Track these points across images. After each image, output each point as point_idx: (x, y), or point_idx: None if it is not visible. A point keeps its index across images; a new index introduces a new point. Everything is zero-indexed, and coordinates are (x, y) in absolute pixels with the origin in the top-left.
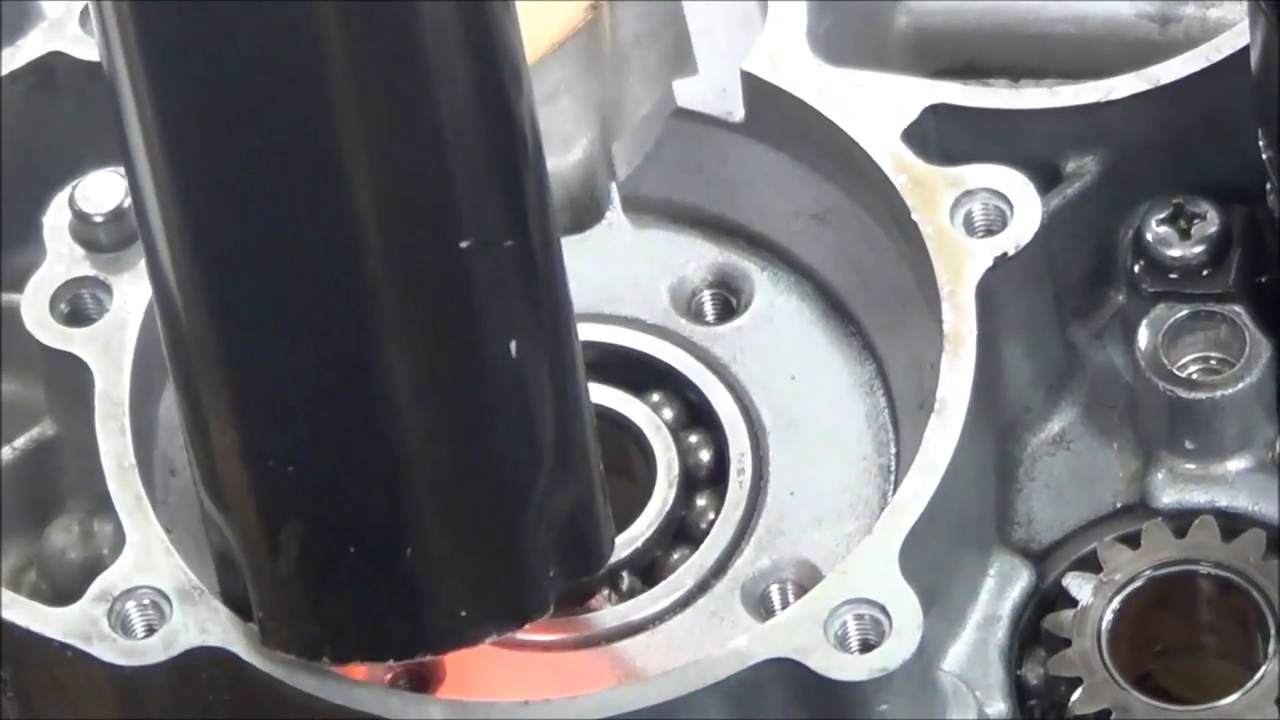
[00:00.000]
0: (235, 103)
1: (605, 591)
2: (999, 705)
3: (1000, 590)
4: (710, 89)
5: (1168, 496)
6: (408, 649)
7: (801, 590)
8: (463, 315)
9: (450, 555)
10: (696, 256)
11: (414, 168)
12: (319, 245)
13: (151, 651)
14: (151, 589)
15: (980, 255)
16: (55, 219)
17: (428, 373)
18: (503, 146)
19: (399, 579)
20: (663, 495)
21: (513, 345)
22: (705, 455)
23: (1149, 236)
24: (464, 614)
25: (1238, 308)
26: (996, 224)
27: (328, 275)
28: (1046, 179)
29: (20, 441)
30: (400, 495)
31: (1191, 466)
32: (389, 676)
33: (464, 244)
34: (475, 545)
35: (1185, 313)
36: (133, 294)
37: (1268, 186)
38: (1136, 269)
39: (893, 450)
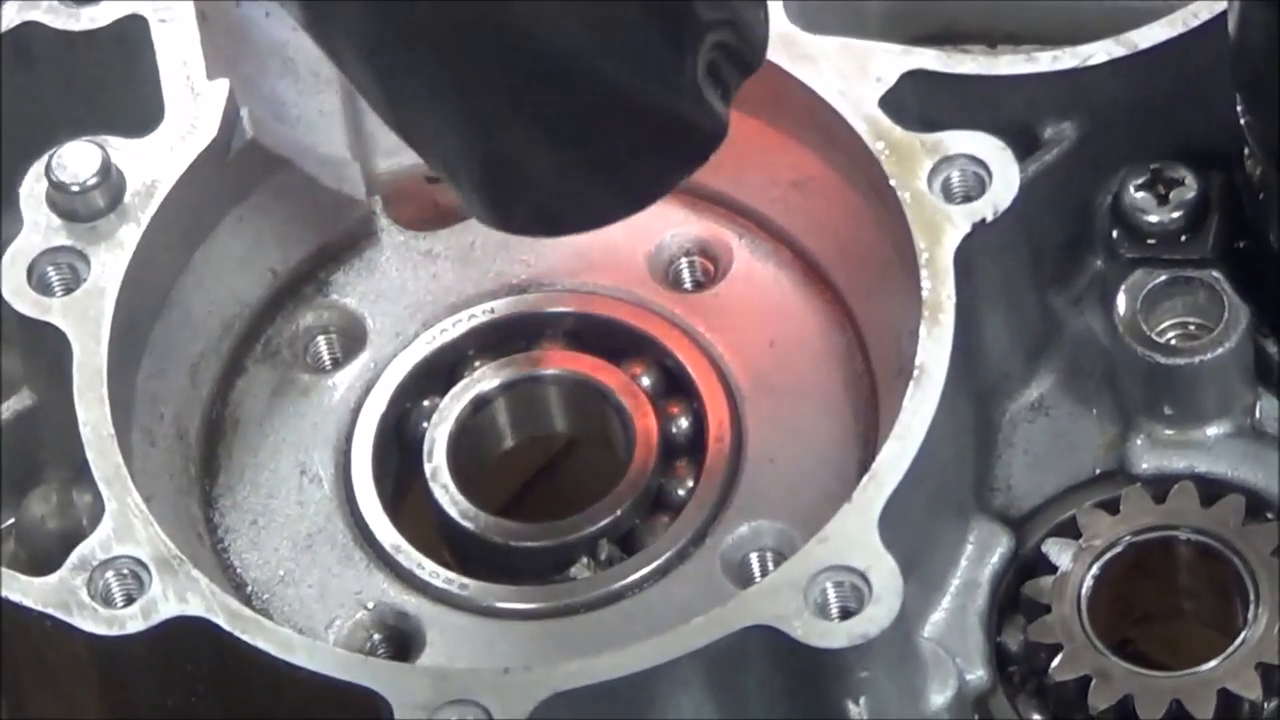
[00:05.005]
0: None
1: (584, 560)
2: (979, 671)
3: (980, 557)
4: None
5: (1147, 462)
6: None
7: (781, 558)
8: None
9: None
10: (674, 224)
11: None
12: None
13: (131, 621)
14: (130, 558)
15: (958, 221)
16: (32, 188)
17: None
18: None
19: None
20: (641, 463)
21: None
22: (684, 423)
23: (1127, 202)
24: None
25: (1216, 273)
26: (975, 190)
27: None
28: (1024, 145)
29: None
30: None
31: (1170, 432)
32: (368, 645)
33: None
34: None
35: (1163, 278)
36: (110, 263)
37: (1245, 152)
38: (1114, 235)
39: (872, 417)
